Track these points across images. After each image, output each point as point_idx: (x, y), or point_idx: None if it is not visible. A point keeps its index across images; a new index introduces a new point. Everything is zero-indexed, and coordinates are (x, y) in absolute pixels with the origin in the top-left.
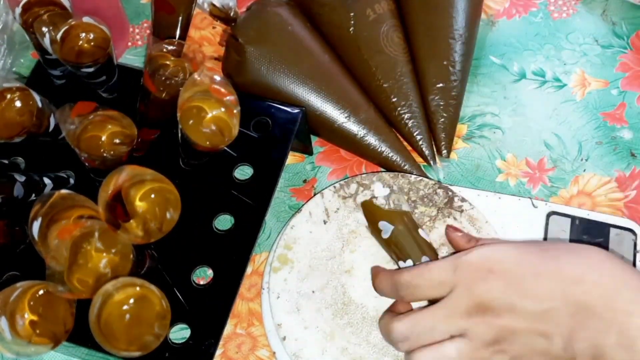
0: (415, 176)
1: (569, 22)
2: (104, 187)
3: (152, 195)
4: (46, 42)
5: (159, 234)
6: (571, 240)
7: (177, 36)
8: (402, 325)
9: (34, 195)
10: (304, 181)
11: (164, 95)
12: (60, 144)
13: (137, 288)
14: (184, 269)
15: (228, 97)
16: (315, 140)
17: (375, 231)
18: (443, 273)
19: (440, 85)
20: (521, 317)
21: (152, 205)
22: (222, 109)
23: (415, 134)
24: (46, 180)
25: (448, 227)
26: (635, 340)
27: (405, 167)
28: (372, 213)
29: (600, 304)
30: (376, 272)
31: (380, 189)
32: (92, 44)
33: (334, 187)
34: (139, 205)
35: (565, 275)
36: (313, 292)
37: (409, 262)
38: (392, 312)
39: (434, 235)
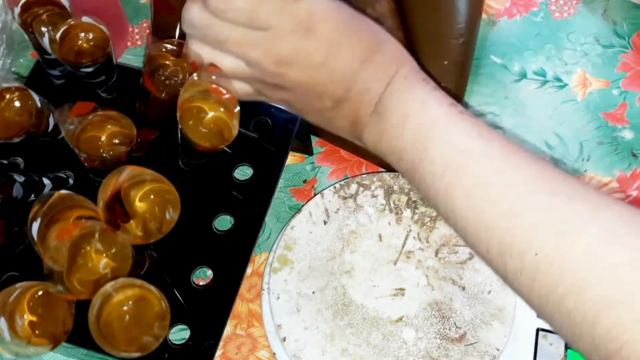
0: None
1: (570, 22)
2: (104, 187)
3: (152, 196)
4: (45, 41)
5: (158, 234)
6: None
7: (176, 36)
8: (198, 14)
9: (33, 195)
10: (304, 181)
11: (163, 95)
12: (59, 144)
13: (137, 289)
14: (184, 270)
15: (228, 97)
16: (315, 141)
17: None
18: (265, 8)
19: (441, 85)
20: (309, 77)
21: (151, 206)
22: (222, 109)
23: None
24: (45, 181)
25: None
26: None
27: None
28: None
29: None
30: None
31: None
32: (91, 43)
33: (334, 187)
34: (139, 205)
35: (349, 64)
36: (313, 292)
37: None
38: None
39: (434, 235)
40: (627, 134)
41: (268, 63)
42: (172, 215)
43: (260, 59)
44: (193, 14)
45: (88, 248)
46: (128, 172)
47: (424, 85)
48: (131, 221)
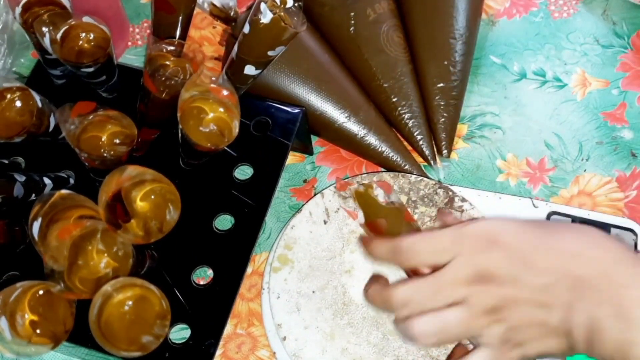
0: (416, 176)
1: (569, 22)
2: (105, 186)
3: (153, 196)
4: (46, 41)
5: (159, 234)
6: None
7: (177, 36)
8: (404, 290)
9: (34, 195)
10: (304, 181)
11: (164, 95)
12: (60, 143)
13: (137, 288)
14: (184, 269)
15: (228, 98)
16: (315, 140)
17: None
18: (446, 240)
19: (441, 85)
20: (522, 288)
21: (152, 206)
22: (223, 109)
23: (415, 134)
24: (46, 180)
25: (440, 211)
26: (630, 310)
27: (406, 167)
28: (369, 205)
29: (597, 277)
30: (368, 238)
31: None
32: (92, 43)
33: (334, 187)
34: (140, 205)
35: (565, 249)
36: (313, 292)
37: None
38: (377, 282)
39: None
40: (627, 134)
41: (470, 291)
42: (172, 214)
43: (465, 293)
44: (398, 294)
45: (89, 247)
46: (129, 171)
47: None
48: (132, 221)
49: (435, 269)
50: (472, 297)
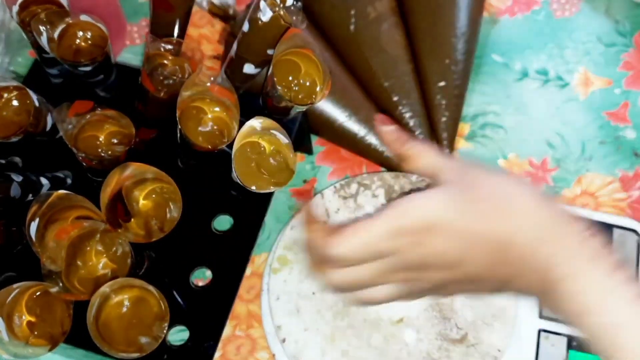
0: (417, 176)
1: (571, 21)
2: (106, 185)
3: (153, 195)
4: (43, 40)
5: (160, 233)
6: None
7: (175, 34)
8: (340, 275)
9: (31, 195)
10: (304, 181)
11: (162, 94)
12: (57, 143)
13: (136, 289)
14: (183, 270)
15: (227, 97)
16: (315, 140)
17: None
18: (382, 244)
19: (442, 84)
20: (457, 272)
21: (153, 205)
22: (222, 109)
23: (416, 134)
24: (43, 180)
25: (377, 119)
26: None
27: None
28: None
29: (526, 262)
30: (308, 218)
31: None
32: (89, 42)
33: (335, 187)
34: (140, 204)
35: (494, 238)
36: (313, 293)
37: None
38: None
39: None
40: (630, 134)
41: (409, 275)
42: (173, 213)
43: (402, 276)
44: (337, 277)
45: (87, 248)
46: (131, 169)
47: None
48: (133, 220)
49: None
50: (397, 258)
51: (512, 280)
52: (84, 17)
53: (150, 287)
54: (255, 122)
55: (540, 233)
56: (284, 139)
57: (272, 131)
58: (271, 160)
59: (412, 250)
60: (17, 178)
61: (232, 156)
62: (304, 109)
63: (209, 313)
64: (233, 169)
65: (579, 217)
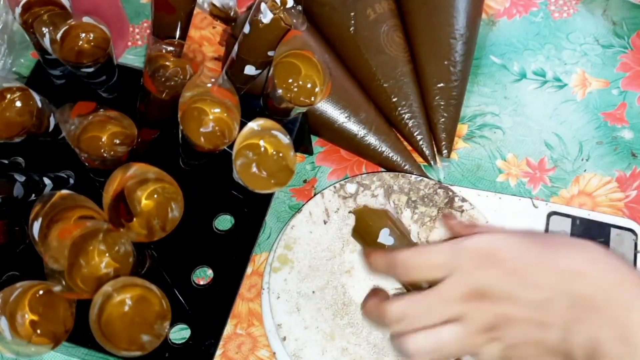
0: (416, 176)
1: (569, 22)
2: (108, 185)
3: (155, 195)
4: (46, 42)
5: (162, 232)
6: None
7: (177, 36)
8: (398, 306)
9: (33, 195)
10: (304, 181)
11: (164, 95)
12: (60, 144)
13: (138, 288)
14: (184, 269)
15: (228, 98)
16: (315, 140)
17: (370, 239)
18: (442, 255)
19: (441, 85)
20: (519, 306)
21: (155, 204)
22: (223, 110)
23: (415, 134)
24: (46, 180)
25: (444, 215)
26: (633, 334)
27: (406, 167)
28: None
29: (599, 297)
30: (369, 250)
31: (351, 187)
32: (92, 43)
33: (334, 187)
34: (143, 204)
35: (566, 267)
36: (313, 292)
37: None
38: (375, 296)
39: (434, 235)
40: (627, 134)
41: (468, 307)
42: (175, 213)
43: (460, 308)
44: (394, 308)
45: (89, 248)
46: (133, 170)
47: None
48: (135, 220)
49: (433, 284)
50: (468, 314)
51: (580, 324)
52: (86, 19)
53: (152, 286)
54: (256, 123)
55: (620, 272)
56: (284, 139)
57: (273, 131)
58: (271, 161)
59: (472, 271)
60: (20, 178)
61: (233, 157)
62: (304, 110)
63: (210, 311)
64: (234, 170)
65: None
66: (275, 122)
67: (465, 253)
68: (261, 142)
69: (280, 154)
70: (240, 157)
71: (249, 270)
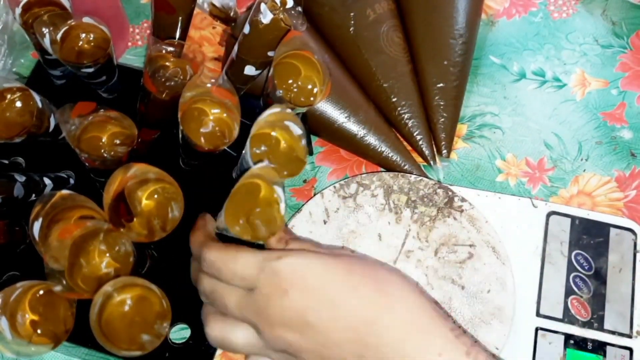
0: (415, 176)
1: (568, 22)
2: (109, 185)
3: (156, 195)
4: (46, 42)
5: (162, 232)
6: (571, 240)
7: (177, 36)
8: (205, 284)
9: (34, 195)
10: (304, 181)
11: (164, 95)
12: (60, 144)
13: (138, 288)
14: (185, 269)
15: (228, 98)
16: (315, 140)
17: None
18: (247, 271)
19: (441, 85)
20: (310, 339)
21: (155, 204)
22: (223, 110)
23: (415, 134)
24: (46, 181)
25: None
26: None
27: (405, 167)
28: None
29: (388, 347)
30: (198, 226)
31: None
32: (92, 44)
33: (334, 187)
34: (143, 204)
35: (362, 313)
36: None
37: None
38: (201, 230)
39: (434, 235)
40: (626, 134)
41: (262, 325)
42: (175, 213)
43: (255, 321)
44: (203, 284)
45: (90, 248)
46: (134, 170)
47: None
48: (135, 220)
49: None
50: (261, 330)
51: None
52: (86, 19)
53: (153, 286)
54: (270, 113)
55: (415, 321)
56: (297, 129)
57: (285, 122)
58: (282, 152)
59: (273, 296)
60: (20, 178)
61: (245, 150)
62: (304, 110)
63: None
64: (249, 159)
65: (449, 316)
66: (288, 113)
67: (269, 275)
68: (273, 133)
69: (291, 145)
70: (254, 146)
71: None
